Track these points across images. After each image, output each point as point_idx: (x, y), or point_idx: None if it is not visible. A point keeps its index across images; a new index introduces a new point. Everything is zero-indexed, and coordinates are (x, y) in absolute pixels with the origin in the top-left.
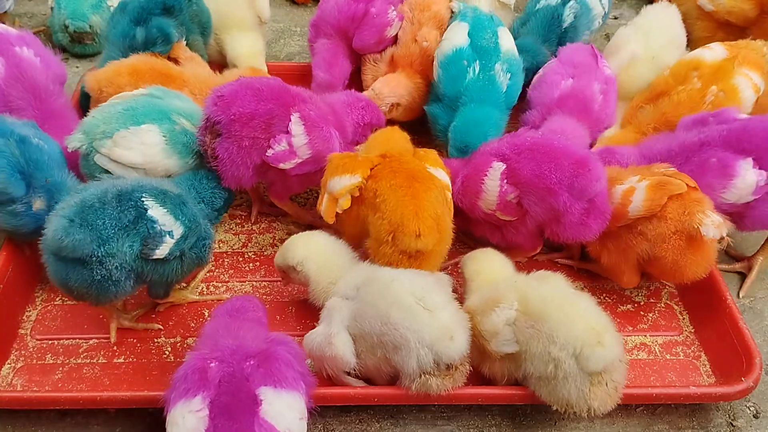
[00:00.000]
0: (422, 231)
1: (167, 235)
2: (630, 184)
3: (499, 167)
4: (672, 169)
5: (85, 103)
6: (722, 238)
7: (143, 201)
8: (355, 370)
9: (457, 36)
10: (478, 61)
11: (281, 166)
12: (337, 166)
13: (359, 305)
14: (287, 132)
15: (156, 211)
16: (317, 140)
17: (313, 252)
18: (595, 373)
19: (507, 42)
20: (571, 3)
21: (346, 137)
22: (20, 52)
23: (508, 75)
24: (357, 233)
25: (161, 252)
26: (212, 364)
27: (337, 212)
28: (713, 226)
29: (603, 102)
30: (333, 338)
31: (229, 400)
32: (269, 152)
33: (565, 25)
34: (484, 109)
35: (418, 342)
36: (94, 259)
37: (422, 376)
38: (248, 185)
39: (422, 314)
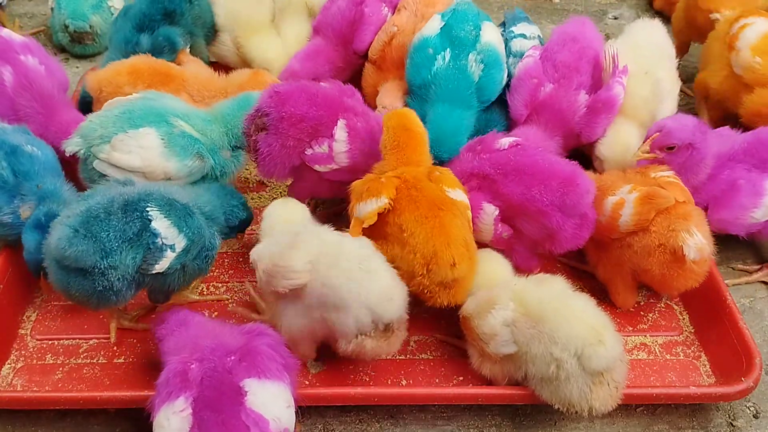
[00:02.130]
0: (456, 260)
1: (168, 249)
2: (620, 195)
3: (491, 211)
4: (669, 173)
5: (83, 107)
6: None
7: (148, 211)
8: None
9: (427, 27)
10: (449, 50)
11: (316, 167)
12: (362, 192)
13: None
14: (331, 136)
15: (160, 223)
16: (357, 152)
17: (280, 209)
18: (597, 372)
19: (489, 35)
20: (510, 60)
21: None
22: (26, 60)
23: (482, 66)
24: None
25: (161, 267)
26: (192, 366)
27: None
28: (695, 247)
29: (586, 117)
30: (291, 249)
31: (214, 394)
32: (308, 151)
33: None
34: (455, 112)
35: (358, 303)
36: (97, 270)
37: (359, 336)
38: (279, 180)
39: (362, 276)
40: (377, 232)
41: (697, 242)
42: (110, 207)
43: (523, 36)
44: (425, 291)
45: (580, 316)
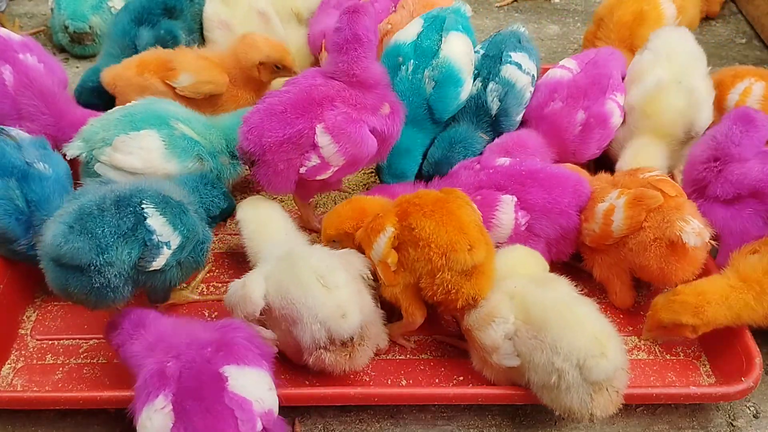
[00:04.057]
0: (472, 243)
1: (164, 247)
2: (610, 202)
3: (509, 200)
4: (656, 172)
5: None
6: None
7: (143, 208)
8: (262, 315)
9: (407, 31)
10: (412, 61)
11: (318, 178)
12: (368, 237)
13: (272, 277)
14: (314, 146)
15: (155, 220)
16: (348, 145)
17: (254, 216)
18: (597, 383)
19: (451, 49)
20: (490, 86)
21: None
22: (25, 59)
23: (433, 84)
24: (415, 285)
25: (158, 264)
26: (169, 363)
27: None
28: (694, 233)
29: (579, 135)
30: (247, 281)
31: (194, 384)
32: (302, 170)
33: (494, 112)
34: (411, 132)
35: (311, 318)
36: (93, 267)
37: (318, 350)
38: (291, 192)
39: (318, 291)
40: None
41: (695, 227)
42: (103, 203)
43: (519, 66)
44: (449, 287)
45: (584, 325)
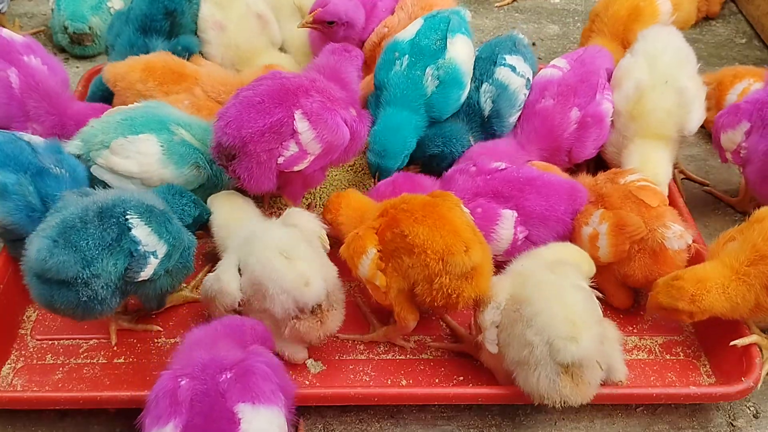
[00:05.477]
0: (468, 245)
1: (151, 256)
2: (593, 227)
3: (510, 215)
4: (637, 176)
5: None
6: (689, 247)
7: (127, 218)
8: (240, 306)
9: (407, 30)
10: (407, 56)
11: (296, 168)
12: (351, 257)
13: (241, 262)
14: (293, 133)
15: (140, 231)
16: (325, 132)
17: (224, 207)
18: (564, 365)
19: (457, 51)
20: (484, 87)
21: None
22: (29, 61)
23: (437, 82)
24: (407, 290)
25: (146, 274)
26: (182, 382)
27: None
28: (676, 237)
29: (576, 133)
30: (221, 273)
31: (204, 422)
32: (280, 159)
33: (486, 113)
34: (403, 114)
35: (278, 289)
36: (80, 280)
37: (290, 320)
38: (272, 190)
39: (281, 264)
40: (386, 254)
41: (676, 231)
42: (85, 215)
43: (513, 69)
44: (449, 291)
45: (567, 308)
